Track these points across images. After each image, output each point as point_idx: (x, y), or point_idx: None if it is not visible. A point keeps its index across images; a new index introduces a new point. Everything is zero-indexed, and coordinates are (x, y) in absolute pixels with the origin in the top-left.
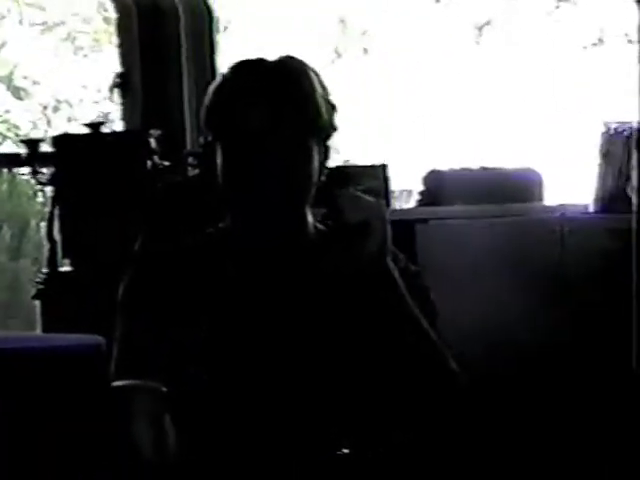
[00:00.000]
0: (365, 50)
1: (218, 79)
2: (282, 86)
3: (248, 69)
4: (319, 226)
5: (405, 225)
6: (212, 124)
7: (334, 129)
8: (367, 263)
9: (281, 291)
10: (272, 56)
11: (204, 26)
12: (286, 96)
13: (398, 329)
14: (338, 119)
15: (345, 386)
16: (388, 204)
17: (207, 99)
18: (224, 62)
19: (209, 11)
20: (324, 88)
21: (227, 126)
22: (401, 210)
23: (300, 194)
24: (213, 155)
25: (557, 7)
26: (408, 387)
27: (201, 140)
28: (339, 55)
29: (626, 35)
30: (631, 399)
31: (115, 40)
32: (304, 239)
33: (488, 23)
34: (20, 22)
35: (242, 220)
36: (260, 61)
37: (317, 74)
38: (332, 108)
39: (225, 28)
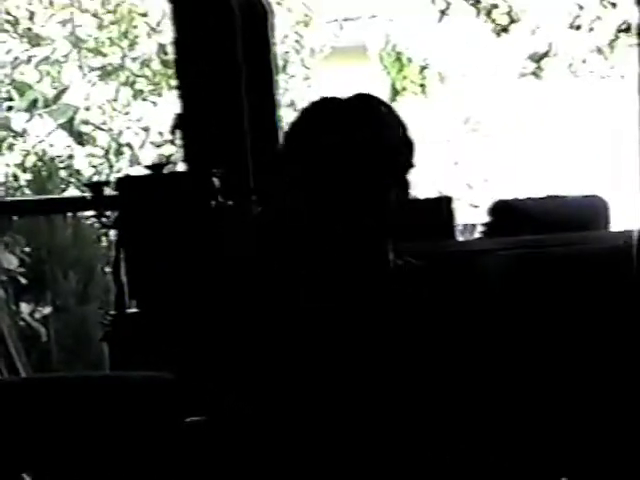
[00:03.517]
0: (423, 86)
1: (296, 120)
2: (358, 126)
3: (324, 109)
4: (398, 262)
5: (469, 257)
6: (287, 173)
7: (411, 165)
8: None
9: (360, 319)
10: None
11: (262, 62)
12: (362, 136)
13: None
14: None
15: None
16: (453, 236)
17: (284, 146)
18: (284, 99)
19: (268, 47)
20: (401, 125)
21: (306, 167)
22: (465, 242)
23: (378, 230)
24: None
25: (615, 38)
26: None
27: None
28: (397, 92)
29: None
30: None
31: (174, 82)
32: (383, 273)
33: (546, 54)
34: (80, 67)
35: (322, 252)
36: (336, 100)
37: (393, 111)
38: (410, 144)
39: (283, 66)
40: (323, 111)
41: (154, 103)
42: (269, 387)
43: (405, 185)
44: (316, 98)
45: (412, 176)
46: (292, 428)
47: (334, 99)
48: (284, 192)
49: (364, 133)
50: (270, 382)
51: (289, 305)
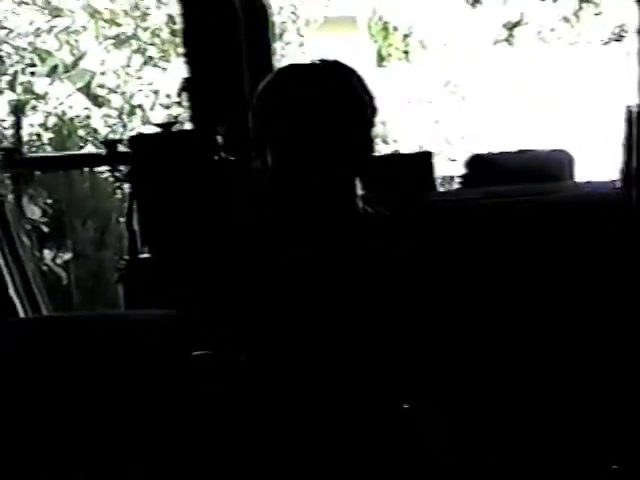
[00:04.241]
0: (406, 53)
1: (267, 81)
2: (328, 85)
3: (291, 73)
4: (368, 209)
5: (448, 206)
6: (262, 122)
7: (374, 120)
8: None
9: (331, 262)
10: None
11: (261, 30)
12: (328, 94)
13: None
14: (387, 115)
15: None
16: (433, 188)
17: (256, 100)
18: (281, 64)
19: (266, 16)
20: (363, 84)
21: (275, 125)
22: (444, 193)
23: (345, 178)
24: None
25: (579, 8)
26: None
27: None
28: (383, 58)
29: None
30: None
31: (181, 50)
32: (351, 220)
33: (518, 23)
34: (96, 36)
35: (295, 203)
36: (304, 64)
37: (356, 72)
38: (372, 102)
39: (280, 34)
40: (293, 73)
41: (163, 69)
42: (257, 326)
43: (370, 138)
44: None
45: (396, 133)
46: (277, 361)
47: (302, 64)
48: (263, 147)
49: (334, 90)
50: (257, 321)
51: (272, 250)
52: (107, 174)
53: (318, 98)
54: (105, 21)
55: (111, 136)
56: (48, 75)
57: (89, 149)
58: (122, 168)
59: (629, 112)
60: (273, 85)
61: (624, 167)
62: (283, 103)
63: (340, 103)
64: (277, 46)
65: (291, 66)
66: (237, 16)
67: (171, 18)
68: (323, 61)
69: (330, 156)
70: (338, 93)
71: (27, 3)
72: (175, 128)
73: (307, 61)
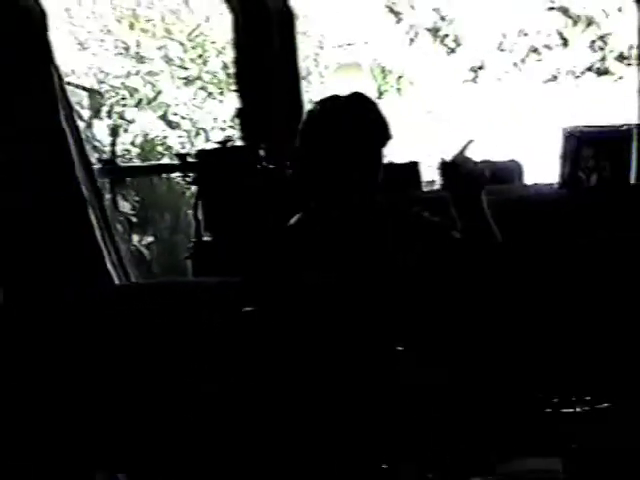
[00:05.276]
0: (399, 89)
1: (310, 110)
2: (356, 112)
3: (330, 103)
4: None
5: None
6: (308, 144)
7: (390, 138)
8: None
9: (355, 241)
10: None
11: (292, 74)
12: (360, 118)
13: None
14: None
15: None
16: (419, 188)
17: (302, 126)
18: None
19: (295, 64)
20: (380, 111)
21: (320, 144)
22: (428, 192)
23: (369, 183)
24: (306, 163)
25: (526, 56)
26: None
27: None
28: (381, 93)
29: (573, 73)
30: None
31: (234, 87)
32: (370, 212)
33: (481, 67)
34: (171, 77)
35: (334, 200)
36: (337, 96)
37: (376, 103)
38: (387, 124)
39: (305, 77)
40: (332, 103)
41: (221, 101)
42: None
43: (383, 155)
44: (327, 95)
45: (390, 149)
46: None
47: (337, 96)
48: (305, 160)
49: (363, 118)
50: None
51: (305, 239)
52: (179, 179)
53: (354, 124)
54: (177, 66)
55: (182, 151)
56: (135, 106)
57: (166, 160)
58: (190, 174)
59: (564, 132)
60: (318, 113)
61: (560, 173)
62: (327, 127)
63: (371, 128)
64: (303, 84)
65: (331, 97)
66: (275, 62)
67: (225, 64)
68: (355, 94)
69: (359, 170)
70: (370, 120)
71: (121, 53)
72: (229, 145)
73: (341, 94)
